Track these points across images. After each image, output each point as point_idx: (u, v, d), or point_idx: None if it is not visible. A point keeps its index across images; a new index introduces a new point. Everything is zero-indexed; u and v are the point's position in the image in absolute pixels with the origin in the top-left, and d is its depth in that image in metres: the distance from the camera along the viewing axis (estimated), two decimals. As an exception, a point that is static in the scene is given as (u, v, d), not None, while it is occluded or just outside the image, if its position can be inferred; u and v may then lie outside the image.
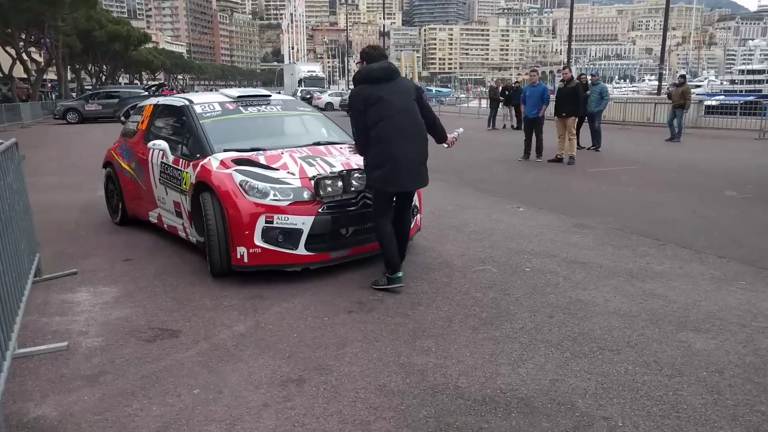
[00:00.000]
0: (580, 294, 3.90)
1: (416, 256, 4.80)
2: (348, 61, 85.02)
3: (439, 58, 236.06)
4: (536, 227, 5.77)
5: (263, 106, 5.37)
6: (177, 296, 3.98)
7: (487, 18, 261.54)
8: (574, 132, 10.72)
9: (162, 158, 5.08)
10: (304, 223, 4.02)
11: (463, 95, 55.88)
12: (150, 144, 5.05)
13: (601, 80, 14.39)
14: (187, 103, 5.20)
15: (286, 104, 5.72)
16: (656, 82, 26.06)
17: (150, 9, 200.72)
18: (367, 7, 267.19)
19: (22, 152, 4.08)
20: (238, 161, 4.37)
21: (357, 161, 4.39)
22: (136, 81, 72.17)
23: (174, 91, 55.42)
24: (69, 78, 47.98)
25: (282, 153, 4.59)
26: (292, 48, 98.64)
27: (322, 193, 4.09)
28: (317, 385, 2.75)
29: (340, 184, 4.15)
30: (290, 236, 4.03)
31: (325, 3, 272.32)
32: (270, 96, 5.61)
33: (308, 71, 50.73)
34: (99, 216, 6.46)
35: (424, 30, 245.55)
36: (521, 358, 2.98)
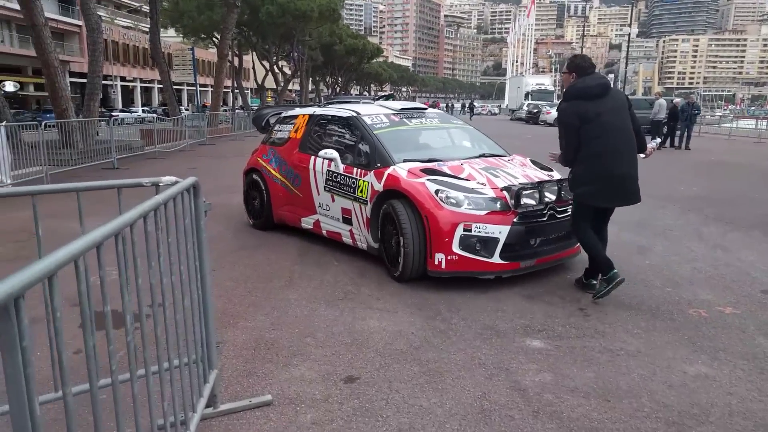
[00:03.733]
0: None
1: None
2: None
3: (678, 72, 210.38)
4: None
5: (422, 119, 5.50)
6: None
7: (746, 26, 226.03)
8: None
9: (329, 166, 5.10)
10: (501, 232, 4.07)
11: (719, 112, 46.94)
12: (321, 153, 5.08)
13: None
14: (356, 114, 5.25)
15: (441, 117, 5.83)
16: None
17: (384, 26, 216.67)
18: (598, 19, 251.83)
19: (206, 202, 2.33)
20: (426, 171, 4.43)
21: (533, 173, 4.67)
22: (365, 92, 76.77)
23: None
24: (309, 88, 52.29)
25: (462, 164, 4.68)
26: (516, 61, 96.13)
27: (521, 203, 4.12)
28: None
29: (536, 195, 4.21)
30: (487, 245, 4.08)
31: (552, 16, 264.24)
32: (426, 109, 5.80)
33: (536, 84, 47.77)
34: (322, 268, 4.79)
35: (663, 41, 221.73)
36: None
